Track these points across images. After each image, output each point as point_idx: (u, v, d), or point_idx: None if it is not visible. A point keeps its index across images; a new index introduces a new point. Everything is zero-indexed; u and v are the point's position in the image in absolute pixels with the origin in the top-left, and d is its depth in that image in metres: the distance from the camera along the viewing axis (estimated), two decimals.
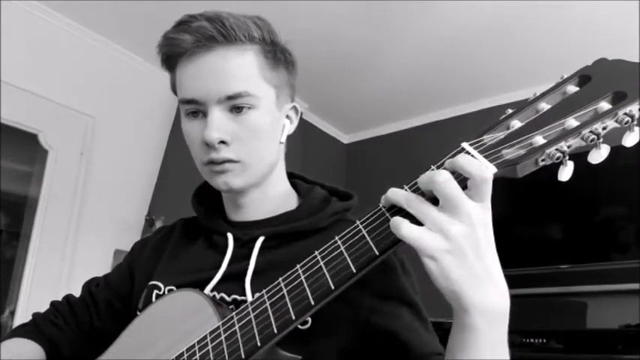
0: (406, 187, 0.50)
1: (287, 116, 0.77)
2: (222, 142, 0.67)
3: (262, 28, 0.71)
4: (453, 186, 0.45)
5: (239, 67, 0.67)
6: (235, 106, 0.67)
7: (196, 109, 0.69)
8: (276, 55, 0.72)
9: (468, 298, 0.44)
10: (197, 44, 0.66)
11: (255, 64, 0.69)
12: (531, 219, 2.59)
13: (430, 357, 0.60)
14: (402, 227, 0.45)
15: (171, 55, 0.70)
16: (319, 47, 2.59)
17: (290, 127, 0.77)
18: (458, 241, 0.44)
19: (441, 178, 0.45)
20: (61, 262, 2.24)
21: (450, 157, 0.49)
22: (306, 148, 3.09)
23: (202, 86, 0.67)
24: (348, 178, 3.55)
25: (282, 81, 0.73)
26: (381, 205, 0.51)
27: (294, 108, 0.78)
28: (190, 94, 0.68)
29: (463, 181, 0.46)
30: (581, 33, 2.34)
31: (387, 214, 0.50)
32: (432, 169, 0.49)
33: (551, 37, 2.39)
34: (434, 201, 0.47)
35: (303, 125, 3.59)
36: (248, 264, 0.69)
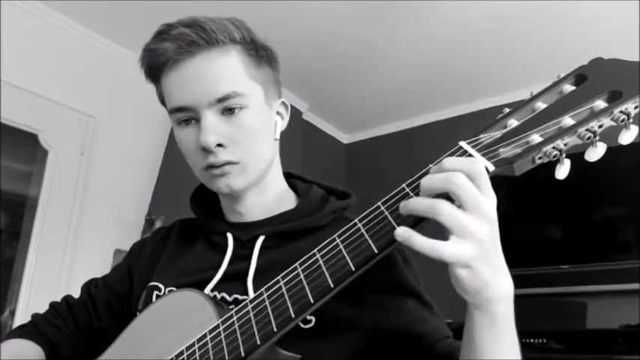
0: (404, 186, 0.51)
1: (277, 112, 0.77)
2: (219, 145, 0.67)
3: (240, 27, 0.70)
4: (472, 186, 0.45)
5: (225, 69, 0.67)
6: (227, 107, 0.67)
7: (188, 116, 0.69)
8: (258, 52, 0.72)
9: (491, 290, 0.46)
10: (179, 51, 0.66)
11: (239, 63, 0.69)
12: (532, 219, 2.58)
13: (442, 341, 0.61)
14: (439, 247, 0.44)
15: (155, 66, 0.70)
16: (319, 47, 2.59)
17: (282, 124, 0.77)
18: (486, 244, 0.45)
19: (459, 180, 0.44)
20: (61, 262, 2.24)
21: (446, 157, 0.49)
22: (306, 148, 3.09)
23: (191, 92, 0.67)
24: (348, 178, 3.55)
25: (267, 78, 0.74)
26: (380, 204, 0.51)
27: (283, 104, 0.78)
28: (179, 101, 0.68)
29: None
30: (582, 33, 2.35)
31: (386, 213, 0.50)
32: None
33: (553, 37, 2.39)
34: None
35: (303, 125, 3.58)
36: (249, 264, 0.69)
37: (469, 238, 0.44)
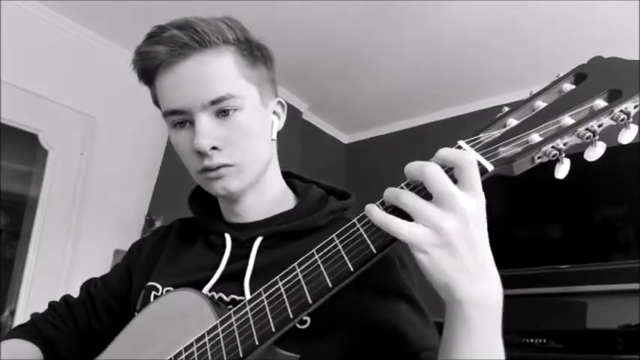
0: (403, 185, 0.51)
1: (274, 112, 0.76)
2: (214, 147, 0.66)
3: (234, 27, 0.69)
4: (444, 178, 0.45)
5: (218, 70, 0.66)
6: (221, 109, 0.67)
7: (182, 119, 0.68)
8: (253, 52, 0.71)
9: (461, 292, 0.45)
10: (172, 54, 0.65)
11: (233, 64, 0.68)
12: (531, 219, 2.58)
13: (427, 351, 0.59)
14: (393, 224, 0.46)
15: (147, 69, 0.69)
16: (319, 47, 2.59)
17: (279, 123, 0.76)
18: (450, 237, 0.44)
19: (430, 170, 0.45)
20: (61, 262, 2.24)
21: None
22: (305, 148, 3.09)
23: (184, 95, 0.66)
24: (348, 178, 3.55)
25: (262, 78, 0.73)
26: (379, 204, 0.51)
27: (280, 103, 0.78)
28: (173, 104, 0.67)
29: (451, 176, 0.46)
30: (582, 33, 2.34)
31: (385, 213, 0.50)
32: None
33: (553, 37, 2.39)
34: (428, 197, 0.47)
35: (303, 125, 3.59)
36: (246, 264, 0.69)
37: (429, 225, 0.45)
